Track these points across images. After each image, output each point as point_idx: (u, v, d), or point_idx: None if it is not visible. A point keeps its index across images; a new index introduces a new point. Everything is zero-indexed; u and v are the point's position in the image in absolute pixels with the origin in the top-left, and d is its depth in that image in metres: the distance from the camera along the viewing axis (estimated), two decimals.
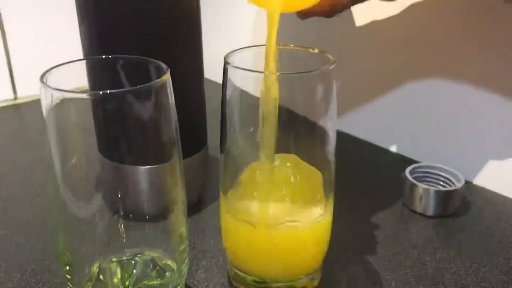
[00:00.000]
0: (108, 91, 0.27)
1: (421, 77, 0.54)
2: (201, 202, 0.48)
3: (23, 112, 0.72)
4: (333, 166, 0.35)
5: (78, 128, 0.30)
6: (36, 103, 0.30)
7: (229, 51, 0.34)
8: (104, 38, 0.39)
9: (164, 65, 0.31)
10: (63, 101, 0.28)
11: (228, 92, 0.33)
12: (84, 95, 0.27)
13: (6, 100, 0.74)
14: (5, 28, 0.70)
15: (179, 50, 0.41)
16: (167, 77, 0.30)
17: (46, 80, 0.29)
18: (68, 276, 0.33)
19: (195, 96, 0.44)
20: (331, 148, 0.35)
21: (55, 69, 0.30)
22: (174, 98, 0.31)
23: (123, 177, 0.33)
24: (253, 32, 0.71)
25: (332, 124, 0.34)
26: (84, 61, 0.33)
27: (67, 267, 0.32)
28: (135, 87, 0.28)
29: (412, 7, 0.52)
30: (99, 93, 0.27)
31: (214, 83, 0.66)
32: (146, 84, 0.28)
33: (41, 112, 0.29)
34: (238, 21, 0.73)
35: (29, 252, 0.42)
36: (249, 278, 0.37)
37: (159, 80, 0.29)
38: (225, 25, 0.76)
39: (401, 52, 0.55)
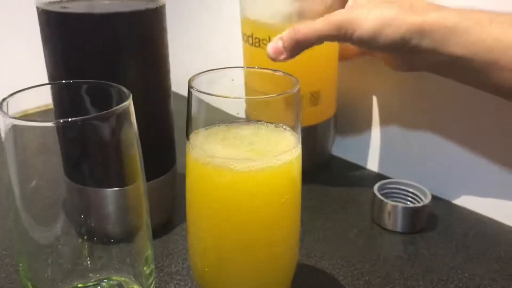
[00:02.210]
0: (69, 119, 0.27)
1: (391, 90, 0.55)
2: (170, 222, 0.48)
3: None
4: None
5: (39, 151, 0.30)
6: None
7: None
8: (68, 59, 0.39)
9: (126, 90, 0.30)
10: (22, 127, 0.28)
11: (193, 115, 0.33)
12: (42, 124, 0.27)
13: None
14: None
15: (145, 72, 0.41)
16: (129, 103, 0.29)
17: (8, 103, 0.29)
18: None
19: (162, 118, 0.44)
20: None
21: (16, 94, 0.30)
22: (142, 121, 0.31)
23: (87, 199, 0.33)
24: (223, 49, 0.71)
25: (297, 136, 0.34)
26: (46, 86, 0.33)
27: None
28: (96, 114, 0.28)
29: None
30: (60, 121, 0.27)
31: (183, 97, 0.66)
32: (108, 111, 0.28)
33: None
34: (208, 36, 0.73)
35: None
36: None
37: (120, 106, 0.29)
38: (193, 40, 0.76)
39: (370, 66, 0.56)
